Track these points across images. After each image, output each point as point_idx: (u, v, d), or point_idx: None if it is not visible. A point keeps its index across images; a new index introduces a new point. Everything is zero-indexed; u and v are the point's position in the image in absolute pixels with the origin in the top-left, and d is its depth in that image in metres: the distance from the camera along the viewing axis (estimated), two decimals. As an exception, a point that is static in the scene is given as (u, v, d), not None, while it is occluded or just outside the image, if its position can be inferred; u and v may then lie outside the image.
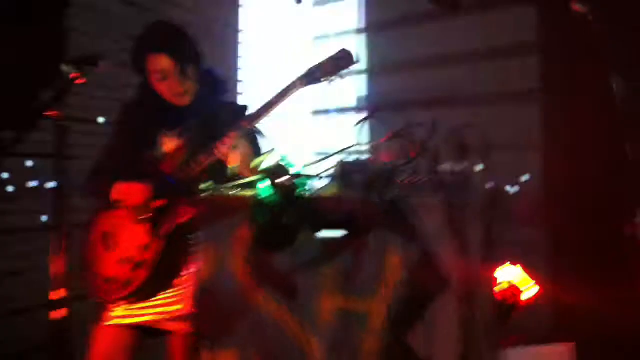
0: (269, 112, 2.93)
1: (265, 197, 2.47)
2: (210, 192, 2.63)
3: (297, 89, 2.90)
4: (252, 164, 2.62)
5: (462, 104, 4.68)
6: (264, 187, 2.49)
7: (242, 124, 2.96)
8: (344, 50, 2.95)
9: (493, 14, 4.88)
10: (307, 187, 2.54)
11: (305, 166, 2.61)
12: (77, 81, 2.83)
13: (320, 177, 2.66)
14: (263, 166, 2.54)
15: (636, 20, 4.21)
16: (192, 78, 3.15)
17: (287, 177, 2.51)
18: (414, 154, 2.60)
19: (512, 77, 4.85)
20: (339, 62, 2.91)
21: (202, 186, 2.61)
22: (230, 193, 2.64)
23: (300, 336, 2.56)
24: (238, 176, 2.71)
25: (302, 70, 2.95)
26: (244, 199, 2.60)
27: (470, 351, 2.61)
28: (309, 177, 2.58)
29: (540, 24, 4.71)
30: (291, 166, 2.54)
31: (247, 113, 3.06)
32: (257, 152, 3.11)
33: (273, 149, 2.65)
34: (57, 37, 4.35)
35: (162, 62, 3.10)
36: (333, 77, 2.92)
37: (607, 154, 3.93)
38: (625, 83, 2.82)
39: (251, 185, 2.58)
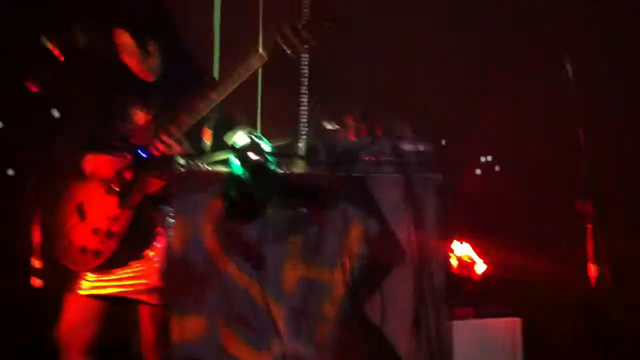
0: (234, 86, 3.03)
1: (237, 172, 2.59)
2: (184, 166, 2.73)
3: (262, 61, 3.00)
4: (227, 140, 2.75)
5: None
6: (236, 163, 2.61)
7: (201, 105, 3.06)
8: (307, 20, 3.04)
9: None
10: (276, 163, 2.67)
11: (275, 143, 2.74)
12: (59, 57, 2.92)
13: (290, 155, 2.78)
14: (235, 142, 2.66)
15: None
16: (155, 54, 3.24)
17: (258, 154, 2.64)
18: (379, 134, 2.74)
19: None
20: (303, 34, 2.99)
21: (178, 160, 2.70)
22: (203, 167, 2.75)
23: (265, 303, 2.67)
24: (211, 151, 2.84)
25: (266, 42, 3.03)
26: (216, 173, 2.72)
27: (421, 320, 2.74)
28: (279, 154, 2.70)
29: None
30: (263, 143, 2.67)
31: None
32: (225, 128, 3.24)
33: (245, 126, 2.77)
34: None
35: (124, 38, 3.18)
36: (298, 50, 3.02)
37: (561, 139, 4.08)
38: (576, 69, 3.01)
39: (224, 160, 2.70)
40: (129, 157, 3.12)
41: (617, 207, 3.67)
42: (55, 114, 3.24)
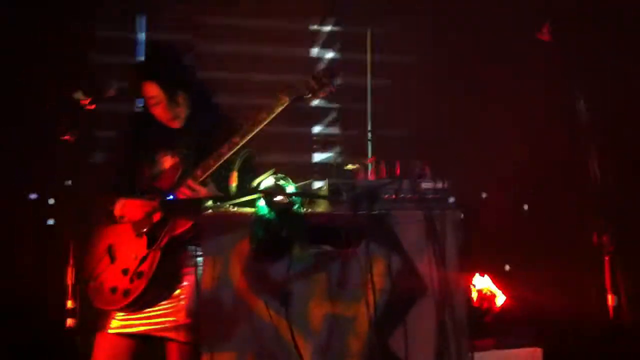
0: (256, 130, 3.16)
1: (264, 214, 2.69)
2: (212, 208, 2.83)
3: (284, 105, 3.13)
4: (253, 183, 2.85)
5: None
6: (262, 205, 2.71)
7: (225, 148, 3.17)
8: (327, 68, 3.19)
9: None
10: (301, 204, 2.77)
11: (299, 185, 2.84)
12: (88, 107, 3.05)
13: (313, 195, 2.87)
14: (262, 185, 2.77)
15: (598, 48, 4.50)
16: (183, 104, 3.37)
17: (283, 195, 2.74)
18: (398, 173, 2.83)
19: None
20: (323, 80, 3.14)
21: (207, 203, 2.80)
22: (232, 210, 2.86)
23: (292, 339, 2.71)
24: (239, 194, 2.94)
25: (287, 86, 3.17)
26: (244, 215, 2.80)
27: (444, 353, 2.77)
28: (303, 194, 2.80)
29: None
30: (287, 185, 2.77)
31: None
32: (250, 171, 3.35)
33: (271, 170, 2.87)
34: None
35: (153, 90, 3.31)
36: (317, 94, 3.16)
37: (574, 172, 4.16)
38: (587, 105, 3.09)
39: (251, 203, 2.80)
40: (156, 200, 3.24)
41: (635, 240, 3.72)
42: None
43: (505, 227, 4.78)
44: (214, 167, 3.18)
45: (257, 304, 2.77)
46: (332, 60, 4.91)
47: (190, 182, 3.18)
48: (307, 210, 2.82)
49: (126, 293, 3.20)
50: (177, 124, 3.42)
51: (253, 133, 3.15)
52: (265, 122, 3.14)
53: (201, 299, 2.80)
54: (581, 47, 3.14)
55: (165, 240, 3.19)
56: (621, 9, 4.62)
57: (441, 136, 4.91)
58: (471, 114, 5.00)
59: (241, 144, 3.16)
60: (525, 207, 4.93)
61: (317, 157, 5.24)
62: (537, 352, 4.13)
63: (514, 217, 4.83)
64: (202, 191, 3.18)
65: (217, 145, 3.19)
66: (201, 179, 3.19)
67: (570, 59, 3.08)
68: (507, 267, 4.97)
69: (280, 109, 3.14)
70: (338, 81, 3.18)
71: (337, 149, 5.00)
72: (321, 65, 3.23)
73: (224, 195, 3.17)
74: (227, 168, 3.23)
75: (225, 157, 3.17)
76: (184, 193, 3.19)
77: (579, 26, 3.91)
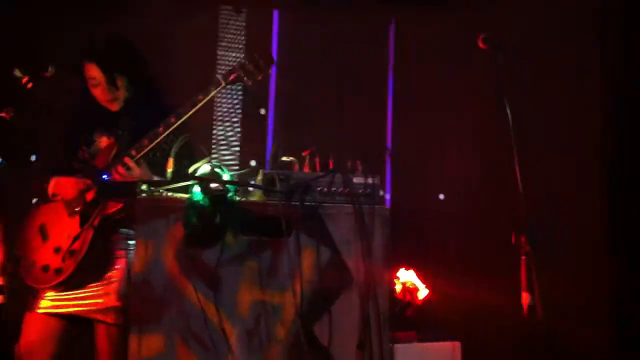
0: (189, 113, 3.20)
1: (198, 200, 2.75)
2: (147, 191, 2.87)
3: (220, 88, 3.19)
4: (190, 169, 2.90)
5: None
6: (197, 191, 2.77)
7: (161, 127, 3.22)
8: (266, 52, 3.26)
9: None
10: (235, 192, 2.82)
11: (234, 173, 2.90)
12: (28, 86, 3.06)
13: (248, 184, 2.93)
14: (198, 172, 2.82)
15: (528, 54, 4.67)
16: (122, 87, 3.40)
17: (218, 182, 2.79)
18: (332, 167, 2.91)
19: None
20: (260, 64, 3.20)
21: (142, 187, 2.84)
22: (166, 195, 2.90)
23: (219, 323, 2.79)
24: (175, 179, 2.99)
25: (223, 70, 3.24)
26: (178, 200, 2.85)
27: (366, 342, 2.84)
28: (238, 183, 2.86)
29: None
30: (222, 173, 2.83)
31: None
32: (186, 157, 3.40)
33: (207, 157, 2.93)
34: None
35: (93, 71, 3.35)
36: (253, 77, 3.23)
37: (498, 174, 4.28)
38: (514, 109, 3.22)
39: (186, 188, 2.85)
40: (90, 178, 3.26)
41: (549, 242, 3.88)
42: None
43: (429, 224, 4.91)
44: (149, 147, 3.23)
45: (187, 288, 2.81)
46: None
47: (126, 159, 3.21)
48: (241, 198, 2.88)
49: (58, 271, 3.22)
50: (115, 106, 3.45)
51: (189, 114, 3.21)
52: (201, 104, 3.21)
53: (132, 282, 2.83)
54: (511, 57, 3.28)
55: (97, 219, 3.22)
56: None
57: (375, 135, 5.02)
58: (406, 115, 5.12)
59: (176, 124, 3.22)
60: (441, 196, 5.05)
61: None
62: (456, 345, 4.25)
63: (438, 215, 4.96)
64: (136, 170, 3.22)
65: (154, 125, 3.24)
66: (136, 158, 3.23)
67: (500, 67, 3.21)
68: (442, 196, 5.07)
69: (215, 91, 3.21)
70: (274, 64, 3.24)
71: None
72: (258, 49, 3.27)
73: (159, 178, 3.23)
74: (163, 153, 3.28)
75: (161, 137, 3.22)
76: (118, 171, 3.22)
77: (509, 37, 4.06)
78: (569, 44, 4.87)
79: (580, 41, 4.89)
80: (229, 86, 3.25)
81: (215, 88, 3.21)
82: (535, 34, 4.88)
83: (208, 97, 3.20)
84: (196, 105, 3.20)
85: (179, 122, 3.22)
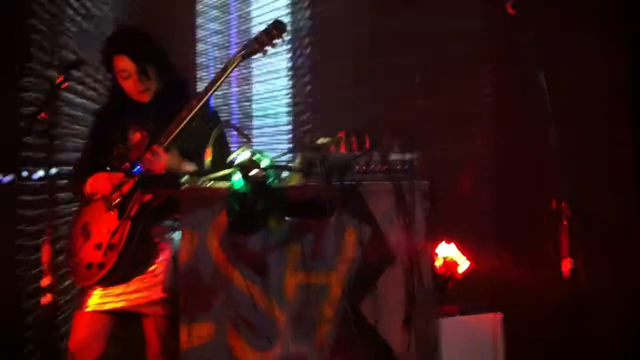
0: (211, 92, 3.23)
1: (239, 188, 2.78)
2: (190, 183, 2.91)
3: (236, 64, 3.21)
4: (229, 158, 2.94)
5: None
6: (238, 179, 2.80)
7: (185, 111, 3.25)
8: (276, 21, 3.28)
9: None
10: (275, 178, 2.85)
11: (273, 159, 2.93)
12: (63, 85, 3.10)
13: (287, 168, 2.95)
14: (237, 160, 2.85)
15: (561, 21, 4.63)
16: (153, 77, 3.44)
17: (258, 169, 2.82)
18: (368, 146, 2.93)
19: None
20: (272, 33, 3.21)
21: (183, 179, 2.88)
22: (208, 184, 2.94)
23: (268, 307, 2.84)
24: (214, 169, 3.02)
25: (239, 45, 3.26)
26: (220, 189, 2.88)
27: (411, 318, 2.86)
28: (277, 168, 2.89)
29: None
30: (261, 159, 2.86)
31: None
32: (222, 146, 3.43)
33: (245, 144, 2.96)
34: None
35: (124, 63, 3.38)
36: (268, 47, 3.25)
37: (535, 138, 4.19)
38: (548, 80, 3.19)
39: (226, 177, 2.88)
40: (125, 171, 3.31)
41: (592, 207, 3.85)
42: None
43: (468, 195, 4.89)
44: (176, 132, 3.26)
45: (235, 275, 2.86)
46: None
47: (155, 146, 3.26)
48: (281, 183, 2.91)
49: (101, 266, 3.27)
50: (146, 97, 3.48)
51: (210, 94, 3.26)
52: (220, 82, 3.25)
53: (180, 272, 2.87)
54: (543, 22, 3.24)
55: (134, 209, 3.26)
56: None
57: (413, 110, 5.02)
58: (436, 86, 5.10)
59: (199, 106, 3.26)
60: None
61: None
62: (497, 317, 4.26)
63: (477, 185, 4.94)
64: (163, 156, 3.26)
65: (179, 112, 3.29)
66: (165, 145, 3.27)
67: (532, 33, 3.17)
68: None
69: (232, 67, 3.23)
70: (286, 31, 3.25)
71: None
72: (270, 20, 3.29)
73: (192, 164, 3.27)
74: (199, 142, 3.32)
75: (186, 121, 3.26)
76: (147, 158, 3.26)
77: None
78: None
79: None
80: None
81: (232, 64, 3.23)
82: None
83: (225, 75, 3.23)
84: (215, 84, 3.24)
85: (202, 104, 3.26)
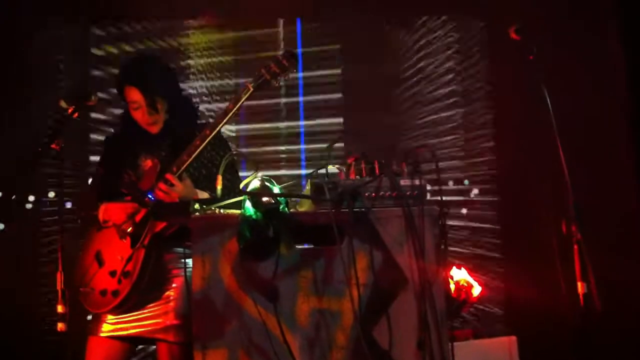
0: (224, 122, 3.25)
1: (250, 215, 2.80)
2: (201, 211, 2.93)
3: (248, 93, 3.23)
4: (240, 185, 2.96)
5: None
6: (249, 206, 2.81)
7: (197, 141, 3.27)
8: (287, 51, 3.30)
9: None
10: (286, 205, 2.87)
11: (284, 186, 2.95)
12: (74, 115, 3.14)
13: (297, 196, 2.97)
14: (248, 187, 2.87)
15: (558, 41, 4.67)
16: (162, 110, 3.47)
17: (269, 196, 2.84)
18: (378, 172, 2.94)
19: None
20: (284, 63, 3.23)
21: (193, 205, 2.90)
22: (219, 211, 2.96)
23: (281, 333, 2.81)
24: (225, 196, 3.05)
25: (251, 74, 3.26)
26: (231, 216, 2.90)
27: (425, 343, 2.84)
28: (288, 195, 2.91)
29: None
30: (272, 186, 2.88)
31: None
32: (233, 174, 3.46)
33: (256, 171, 2.98)
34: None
35: (134, 95, 3.42)
36: (280, 77, 3.27)
37: (545, 163, 4.26)
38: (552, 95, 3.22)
39: (237, 204, 2.91)
40: (137, 200, 3.34)
41: (603, 229, 3.85)
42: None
43: (479, 218, 4.91)
44: (189, 161, 3.29)
45: (246, 301, 2.86)
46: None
47: (168, 175, 3.28)
48: (292, 209, 2.92)
49: (115, 293, 3.29)
50: (155, 129, 3.52)
51: (222, 124, 3.27)
52: (232, 113, 3.26)
53: (192, 299, 2.88)
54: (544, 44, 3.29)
55: (147, 238, 3.29)
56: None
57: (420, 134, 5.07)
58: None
59: (212, 135, 3.27)
60: (475, 191, 5.06)
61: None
62: (513, 340, 4.25)
63: (487, 209, 4.96)
64: (179, 186, 3.28)
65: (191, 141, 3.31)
66: (177, 174, 3.30)
67: (535, 55, 3.22)
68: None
69: (245, 97, 3.25)
70: (298, 63, 3.28)
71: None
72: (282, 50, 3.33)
73: (206, 193, 3.30)
74: (209, 171, 3.35)
75: (198, 150, 3.28)
76: (160, 188, 3.28)
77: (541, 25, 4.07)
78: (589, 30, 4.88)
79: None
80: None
81: (245, 94, 3.25)
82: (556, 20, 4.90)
83: (239, 105, 3.25)
84: (228, 114, 3.26)
85: (215, 133, 3.29)
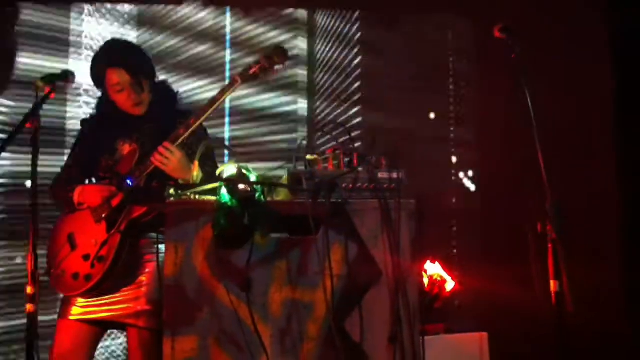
0: (210, 111, 3.25)
1: (226, 202, 2.77)
2: (175, 196, 2.89)
3: (235, 87, 3.22)
4: (216, 172, 2.93)
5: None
6: (225, 193, 2.78)
7: (182, 127, 3.26)
8: (277, 47, 3.29)
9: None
10: (262, 193, 2.84)
11: (261, 174, 2.92)
12: (50, 96, 3.09)
13: (274, 184, 2.95)
14: (225, 174, 2.84)
15: (543, 44, 4.69)
16: (146, 89, 3.45)
17: (246, 184, 2.81)
18: (356, 163, 2.93)
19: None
20: (273, 58, 3.23)
21: (169, 191, 2.86)
22: (194, 197, 2.92)
23: (252, 323, 2.79)
24: (201, 182, 3.02)
25: (239, 68, 3.27)
26: (206, 203, 2.87)
27: (396, 336, 2.85)
28: (264, 183, 2.88)
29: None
30: (249, 174, 2.86)
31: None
32: (209, 160, 3.43)
33: (233, 159, 2.95)
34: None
35: (120, 76, 3.38)
36: (268, 73, 3.25)
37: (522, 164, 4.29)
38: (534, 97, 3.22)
39: (213, 191, 2.88)
40: (114, 184, 3.30)
41: (577, 230, 3.87)
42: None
43: (454, 215, 4.93)
44: (185, 135, 3.29)
45: (219, 289, 2.84)
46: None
47: (166, 143, 3.25)
48: (268, 198, 2.90)
49: (88, 277, 3.26)
50: (139, 110, 3.48)
51: (207, 114, 3.27)
52: (217, 103, 3.26)
53: (164, 285, 2.85)
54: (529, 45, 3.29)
55: (124, 224, 3.25)
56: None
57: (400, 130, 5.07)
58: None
59: (196, 124, 3.28)
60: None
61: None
62: (484, 336, 4.27)
63: (464, 207, 4.99)
64: (177, 153, 3.26)
65: (175, 129, 3.29)
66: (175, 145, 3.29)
67: (520, 56, 3.22)
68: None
69: (232, 89, 3.24)
70: (288, 58, 3.28)
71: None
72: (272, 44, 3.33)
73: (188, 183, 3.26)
74: (190, 158, 3.32)
75: (182, 139, 3.29)
76: (160, 152, 3.25)
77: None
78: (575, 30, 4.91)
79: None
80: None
81: (232, 86, 3.23)
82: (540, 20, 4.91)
83: (225, 96, 3.25)
84: (213, 104, 3.24)
85: (199, 122, 3.28)
